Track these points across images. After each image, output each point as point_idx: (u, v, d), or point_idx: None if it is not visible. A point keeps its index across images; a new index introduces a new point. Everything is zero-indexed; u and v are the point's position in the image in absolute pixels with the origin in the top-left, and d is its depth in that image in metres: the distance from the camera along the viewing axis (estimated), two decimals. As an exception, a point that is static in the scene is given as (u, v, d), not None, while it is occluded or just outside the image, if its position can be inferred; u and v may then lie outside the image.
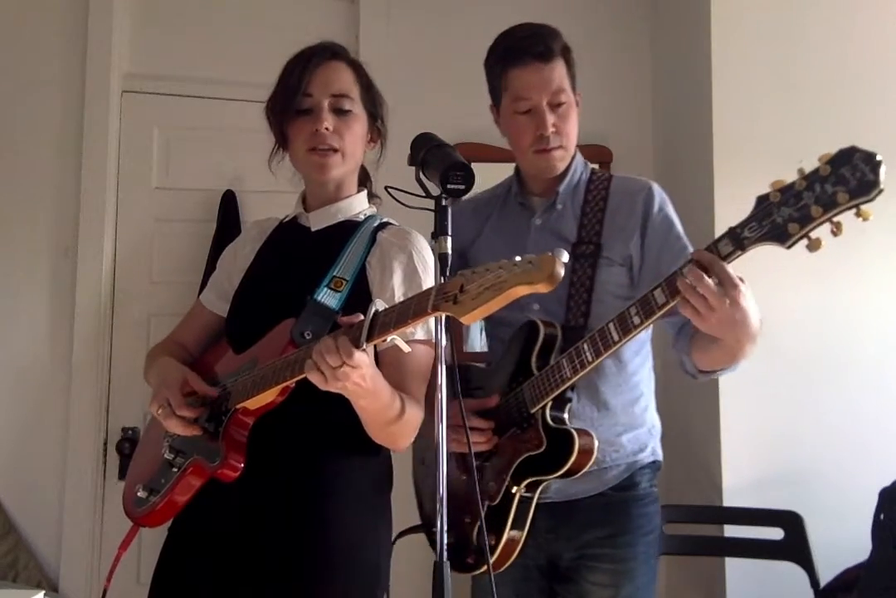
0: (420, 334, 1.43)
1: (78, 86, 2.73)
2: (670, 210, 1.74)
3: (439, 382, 1.22)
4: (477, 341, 2.85)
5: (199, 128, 2.81)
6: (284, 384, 1.34)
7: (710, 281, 1.31)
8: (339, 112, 1.53)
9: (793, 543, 2.24)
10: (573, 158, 1.78)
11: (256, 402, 1.39)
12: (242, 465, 1.40)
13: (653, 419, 1.80)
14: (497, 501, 1.61)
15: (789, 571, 2.22)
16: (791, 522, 2.24)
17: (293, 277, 1.52)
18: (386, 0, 2.94)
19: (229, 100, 2.77)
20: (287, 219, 1.67)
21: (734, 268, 1.35)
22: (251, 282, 1.61)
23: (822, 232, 1.27)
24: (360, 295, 1.45)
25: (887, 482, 1.96)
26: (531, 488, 1.62)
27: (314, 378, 1.23)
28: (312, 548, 1.42)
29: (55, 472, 2.62)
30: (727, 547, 2.37)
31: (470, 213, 1.82)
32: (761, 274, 2.31)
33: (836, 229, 1.26)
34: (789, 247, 1.29)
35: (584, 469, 1.58)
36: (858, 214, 1.24)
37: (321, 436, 1.47)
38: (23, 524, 2.58)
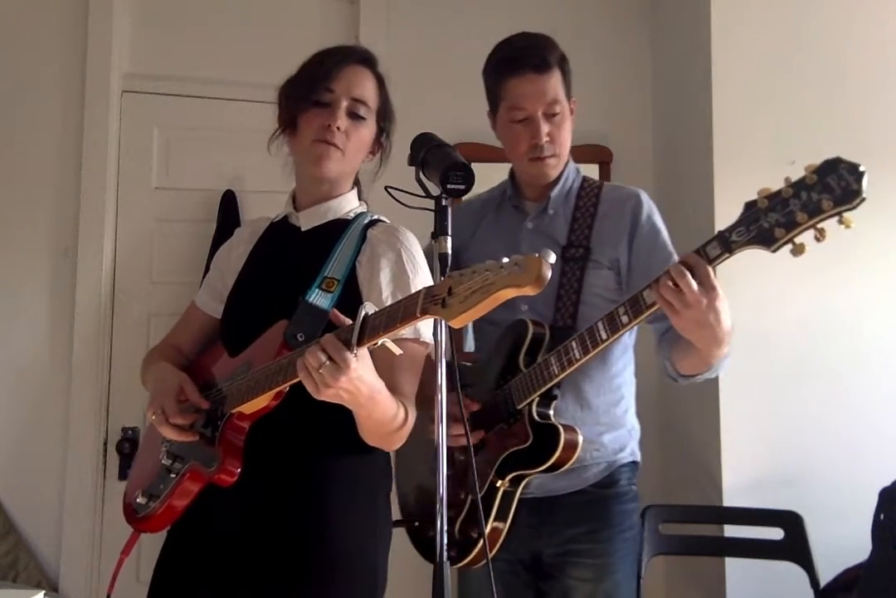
0: (408, 332, 1.41)
1: (78, 86, 2.73)
2: (658, 219, 1.81)
3: (439, 382, 1.22)
4: (470, 342, 2.85)
5: (199, 128, 2.81)
6: (278, 389, 1.33)
7: (691, 279, 1.37)
8: (354, 116, 1.53)
9: (793, 543, 2.24)
10: (566, 164, 1.84)
11: (251, 406, 1.39)
12: (239, 470, 1.40)
13: (633, 421, 1.85)
14: (481, 494, 1.64)
15: (789, 571, 2.22)
16: (791, 522, 2.24)
17: (285, 278, 1.52)
18: (386, 0, 2.94)
19: (229, 100, 2.77)
20: (278, 218, 1.66)
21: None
22: (244, 284, 1.61)
23: (805, 238, 1.34)
24: (351, 295, 1.45)
25: (887, 482, 1.96)
26: (515, 482, 1.66)
27: (307, 385, 1.22)
28: (309, 550, 1.42)
29: (55, 472, 2.62)
30: (727, 547, 2.37)
31: (467, 213, 1.84)
32: (761, 275, 2.32)
33: (820, 235, 1.33)
34: (775, 251, 1.35)
35: (568, 464, 1.63)
36: (841, 222, 1.31)
37: (317, 438, 1.47)
38: (23, 524, 2.58)
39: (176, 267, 2.77)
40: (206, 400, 1.47)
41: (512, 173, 1.92)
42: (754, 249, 1.37)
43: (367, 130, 1.56)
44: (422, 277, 1.46)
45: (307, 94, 1.52)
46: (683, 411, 2.73)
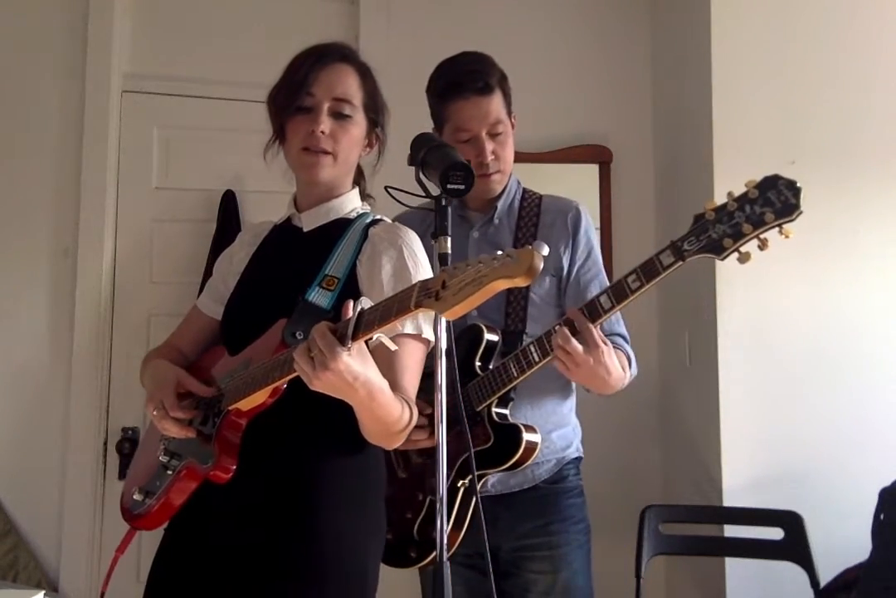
0: (409, 328, 1.42)
1: (78, 86, 2.73)
2: (592, 234, 1.94)
3: (438, 382, 1.22)
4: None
5: (199, 128, 2.81)
6: (275, 385, 1.33)
7: (576, 344, 1.57)
8: (339, 116, 1.53)
9: (793, 543, 2.23)
10: (509, 177, 1.94)
11: (248, 403, 1.39)
12: (234, 467, 1.40)
13: (575, 420, 1.96)
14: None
15: (789, 571, 2.22)
16: (791, 522, 2.24)
17: (286, 278, 1.52)
18: (386, 0, 2.94)
19: (229, 100, 2.77)
20: (281, 221, 1.67)
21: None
22: (245, 284, 1.61)
23: (750, 246, 1.49)
24: (351, 293, 1.44)
25: (887, 482, 1.96)
26: (474, 481, 1.72)
27: (301, 375, 1.22)
28: (299, 549, 1.42)
29: (55, 472, 2.62)
30: (727, 547, 2.37)
31: (409, 223, 1.86)
32: (761, 275, 2.33)
33: (763, 245, 1.49)
34: (723, 259, 1.51)
35: (529, 461, 1.73)
36: (781, 232, 1.46)
37: (311, 438, 1.47)
38: (23, 524, 2.58)
39: (176, 267, 2.77)
40: (206, 388, 1.47)
41: None
42: (705, 256, 1.52)
43: (356, 127, 1.55)
44: (423, 274, 1.46)
45: (289, 102, 1.53)
46: (683, 411, 2.73)
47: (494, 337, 1.78)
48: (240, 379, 1.41)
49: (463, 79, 1.83)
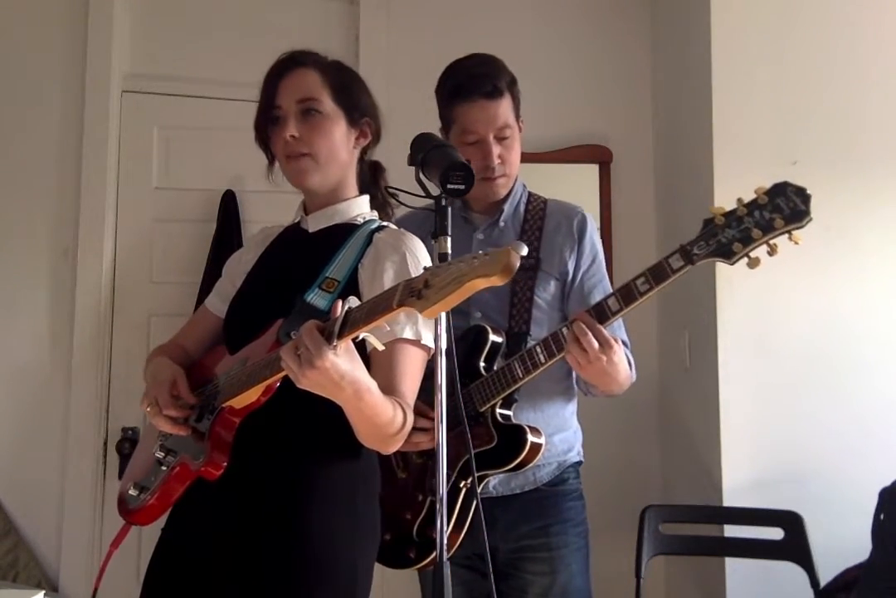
0: (408, 333, 1.42)
1: (78, 86, 2.74)
2: (597, 240, 1.94)
3: (438, 382, 1.22)
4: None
5: (199, 128, 2.81)
6: (266, 383, 1.34)
7: (592, 338, 1.56)
8: (306, 114, 1.54)
9: (793, 543, 2.24)
10: (514, 180, 1.93)
11: (241, 401, 1.40)
12: (225, 463, 1.41)
13: (576, 423, 1.95)
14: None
15: (789, 571, 2.22)
16: (791, 522, 2.24)
17: (288, 279, 1.53)
18: (386, 0, 2.94)
19: (229, 100, 2.77)
20: (291, 223, 1.69)
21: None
22: (249, 284, 1.63)
23: (759, 252, 1.51)
24: (350, 296, 1.45)
25: (887, 482, 1.96)
26: (475, 482, 1.72)
27: (288, 373, 1.22)
28: (287, 548, 1.42)
29: (55, 472, 2.62)
30: (727, 547, 2.37)
31: (412, 224, 1.86)
32: (761, 275, 2.31)
33: (772, 250, 1.50)
34: (733, 263, 1.52)
35: (533, 463, 1.72)
36: (791, 238, 1.48)
37: (304, 440, 1.47)
38: (23, 524, 2.58)
39: (176, 267, 2.78)
40: (194, 396, 1.49)
41: None
42: (714, 261, 1.53)
43: (328, 121, 1.55)
44: None
45: (263, 121, 1.57)
46: (683, 411, 2.73)
47: (499, 338, 1.78)
48: (235, 377, 1.43)
49: (472, 81, 1.82)
